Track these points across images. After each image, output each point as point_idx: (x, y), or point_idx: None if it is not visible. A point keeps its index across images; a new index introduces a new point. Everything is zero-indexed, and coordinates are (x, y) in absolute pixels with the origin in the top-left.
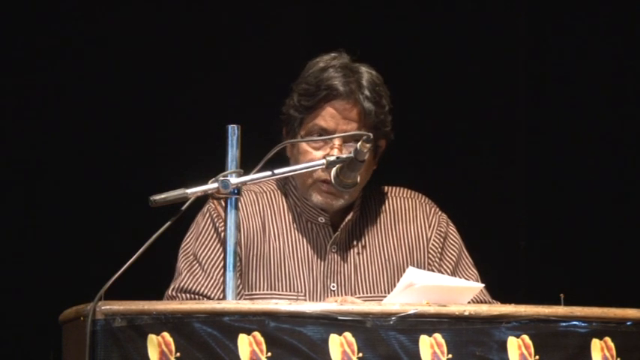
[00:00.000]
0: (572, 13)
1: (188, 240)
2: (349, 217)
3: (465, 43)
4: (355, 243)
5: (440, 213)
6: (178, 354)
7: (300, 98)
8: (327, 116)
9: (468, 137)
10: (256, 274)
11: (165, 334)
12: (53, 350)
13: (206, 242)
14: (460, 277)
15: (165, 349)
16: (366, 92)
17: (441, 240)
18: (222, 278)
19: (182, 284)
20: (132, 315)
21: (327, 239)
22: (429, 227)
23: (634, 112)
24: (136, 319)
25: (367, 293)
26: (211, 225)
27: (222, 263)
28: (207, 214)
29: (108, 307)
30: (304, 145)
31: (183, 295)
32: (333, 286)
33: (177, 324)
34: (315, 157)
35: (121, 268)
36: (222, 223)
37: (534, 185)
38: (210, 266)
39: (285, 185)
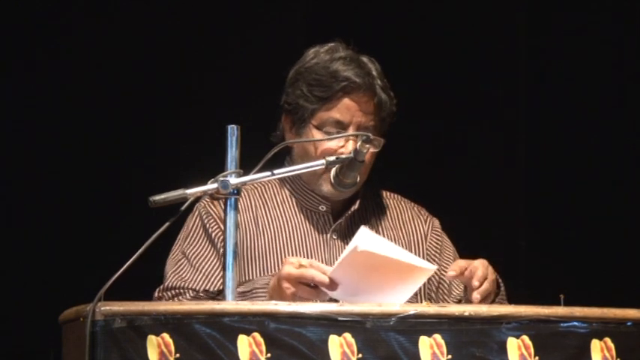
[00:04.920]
0: (572, 12)
1: (177, 243)
2: (355, 206)
3: (464, 43)
4: (355, 232)
5: (431, 216)
6: (178, 355)
7: (311, 88)
8: (343, 108)
9: (467, 137)
10: (251, 266)
11: (165, 335)
12: (53, 351)
13: (194, 239)
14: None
15: (164, 350)
16: (380, 83)
17: (439, 239)
18: (211, 270)
19: (167, 284)
20: (132, 316)
21: (327, 227)
22: (425, 223)
23: (634, 112)
24: (135, 320)
25: None
26: (200, 223)
27: (210, 256)
28: (197, 213)
29: (108, 307)
30: (318, 136)
31: (168, 294)
32: None
33: (176, 325)
34: (330, 148)
35: (121, 268)
36: (212, 220)
37: (534, 185)
38: (198, 260)
39: None
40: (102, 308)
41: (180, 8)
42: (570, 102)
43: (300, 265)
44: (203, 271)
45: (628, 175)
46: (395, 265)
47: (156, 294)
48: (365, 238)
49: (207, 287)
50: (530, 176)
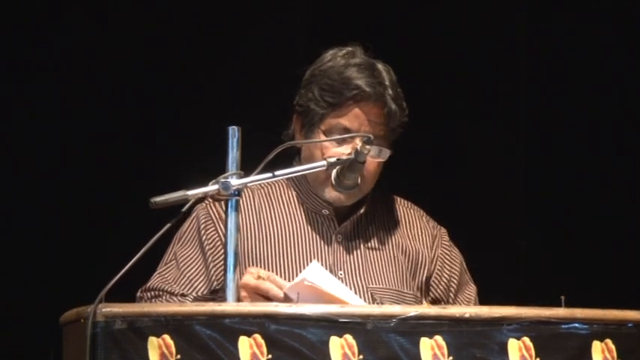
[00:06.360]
0: (572, 12)
1: (172, 243)
2: (362, 210)
3: (464, 43)
4: (360, 235)
5: (439, 227)
6: (179, 356)
7: (322, 93)
8: (352, 116)
9: (467, 137)
10: (252, 266)
11: (166, 336)
12: (53, 351)
13: (186, 242)
14: (462, 291)
15: (165, 351)
16: (392, 93)
17: (448, 252)
18: (194, 276)
19: (149, 284)
20: (132, 317)
21: (331, 229)
22: (433, 237)
23: (634, 112)
24: (136, 322)
25: (378, 284)
26: (195, 226)
27: (196, 261)
28: (194, 215)
29: (108, 309)
30: (325, 142)
31: (148, 294)
32: (341, 274)
33: (177, 326)
34: (336, 153)
35: (122, 270)
36: (211, 223)
37: (534, 185)
38: (185, 264)
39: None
40: (103, 310)
41: (180, 8)
42: (570, 102)
43: (259, 277)
44: (187, 275)
45: (628, 175)
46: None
47: (138, 293)
48: (314, 272)
49: (185, 292)
50: (530, 176)
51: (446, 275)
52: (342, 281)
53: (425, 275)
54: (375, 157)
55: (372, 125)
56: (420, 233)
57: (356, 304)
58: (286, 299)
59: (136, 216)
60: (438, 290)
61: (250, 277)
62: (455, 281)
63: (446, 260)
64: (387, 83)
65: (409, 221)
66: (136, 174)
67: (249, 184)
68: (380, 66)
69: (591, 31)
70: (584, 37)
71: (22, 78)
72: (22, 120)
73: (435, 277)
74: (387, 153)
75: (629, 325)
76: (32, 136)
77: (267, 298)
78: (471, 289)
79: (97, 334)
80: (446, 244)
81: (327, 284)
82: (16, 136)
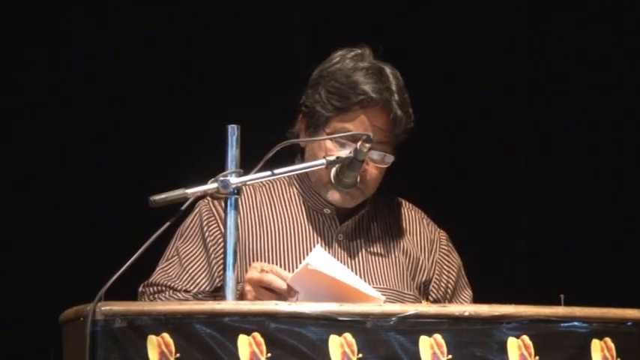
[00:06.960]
0: (572, 12)
1: (174, 238)
2: (364, 210)
3: (464, 43)
4: (362, 235)
5: (439, 230)
6: (178, 355)
7: (329, 96)
8: (357, 121)
9: (467, 136)
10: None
11: (165, 335)
12: (53, 351)
13: (189, 237)
14: (458, 295)
15: (165, 350)
16: (398, 99)
17: (447, 256)
18: (197, 272)
19: (151, 279)
20: (132, 316)
21: (332, 229)
22: (430, 241)
23: (634, 112)
24: (136, 320)
25: (379, 284)
26: (198, 222)
27: (199, 257)
28: (197, 211)
29: (108, 307)
30: (329, 143)
31: (150, 289)
32: None
33: (177, 325)
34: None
35: (121, 268)
36: (213, 220)
37: (534, 185)
38: (188, 259)
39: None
40: (102, 308)
41: (180, 8)
42: (570, 102)
43: (262, 270)
44: (190, 271)
45: (628, 175)
46: (344, 289)
47: (140, 288)
48: (318, 257)
49: (188, 288)
50: (530, 176)
51: (444, 280)
52: None
53: (424, 278)
54: (378, 163)
55: (377, 131)
56: (419, 237)
57: (362, 288)
58: (289, 290)
59: (135, 215)
60: (438, 295)
61: (254, 271)
62: (451, 286)
63: (444, 265)
64: (394, 89)
65: (410, 223)
66: (136, 173)
67: (248, 182)
68: (388, 70)
69: (591, 31)
70: (584, 37)
71: (22, 78)
72: (22, 120)
73: (435, 282)
74: (390, 159)
75: (629, 323)
76: (32, 136)
77: (270, 290)
78: (467, 294)
79: (96, 333)
80: (444, 249)
81: (331, 269)
82: (16, 136)
